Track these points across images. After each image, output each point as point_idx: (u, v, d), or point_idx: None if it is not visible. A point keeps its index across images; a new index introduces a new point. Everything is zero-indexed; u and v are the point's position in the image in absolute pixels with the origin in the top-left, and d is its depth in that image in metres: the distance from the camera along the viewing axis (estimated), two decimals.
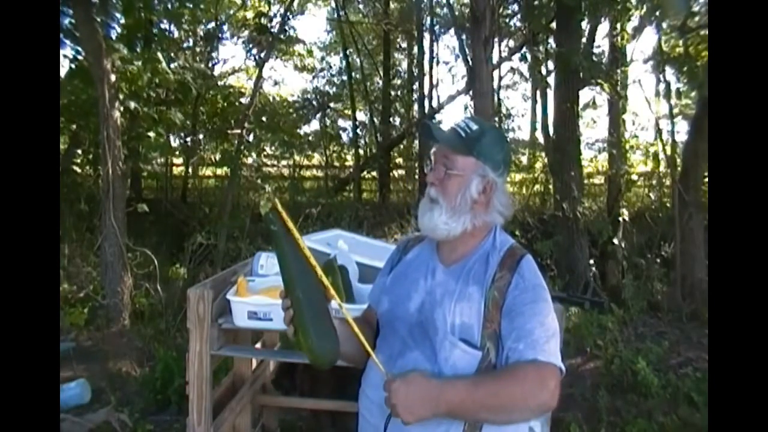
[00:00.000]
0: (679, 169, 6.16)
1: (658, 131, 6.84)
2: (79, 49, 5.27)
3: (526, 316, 1.19)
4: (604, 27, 7.43)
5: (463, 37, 7.21)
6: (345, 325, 1.37)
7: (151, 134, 5.83)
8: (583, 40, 6.73)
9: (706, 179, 5.70)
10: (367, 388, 1.34)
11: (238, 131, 7.69)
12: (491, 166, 1.27)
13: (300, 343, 1.19)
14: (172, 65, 7.18)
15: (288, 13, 9.06)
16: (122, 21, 5.81)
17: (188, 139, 10.37)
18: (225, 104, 10.05)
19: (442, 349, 1.22)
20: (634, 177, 8.19)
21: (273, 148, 11.39)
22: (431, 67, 12.21)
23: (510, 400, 1.11)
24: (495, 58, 8.66)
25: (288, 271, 1.19)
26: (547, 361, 1.14)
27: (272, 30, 8.93)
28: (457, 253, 1.31)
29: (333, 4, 12.14)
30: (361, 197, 11.11)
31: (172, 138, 9.94)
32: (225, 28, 10.87)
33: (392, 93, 11.89)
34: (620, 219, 6.61)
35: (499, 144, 1.29)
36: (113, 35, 5.50)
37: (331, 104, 12.83)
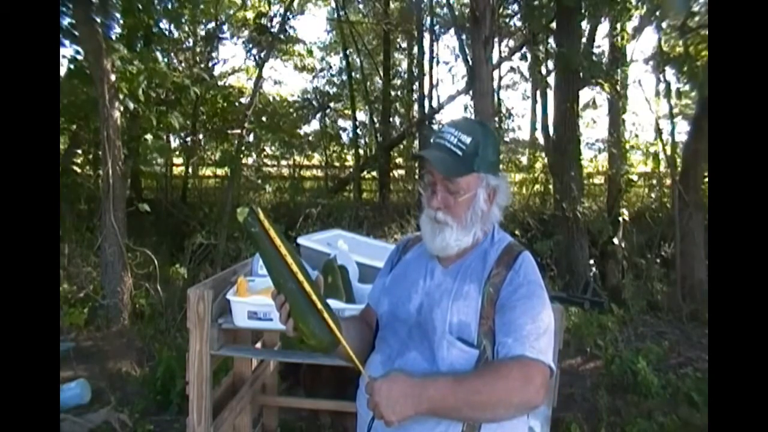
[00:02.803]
0: (679, 169, 6.17)
1: (658, 131, 6.84)
2: (79, 49, 5.27)
3: (517, 311, 1.18)
4: (604, 27, 7.45)
5: (463, 37, 7.23)
6: (346, 322, 1.37)
7: (149, 137, 5.83)
8: (583, 40, 6.74)
9: (706, 179, 5.71)
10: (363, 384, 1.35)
11: (238, 131, 7.70)
12: (492, 173, 1.26)
13: (302, 332, 1.19)
14: (171, 67, 7.18)
15: (288, 13, 9.04)
16: (122, 21, 5.80)
17: (188, 139, 10.36)
18: (225, 104, 10.05)
19: (440, 349, 1.22)
20: (634, 177, 8.19)
21: (273, 148, 11.39)
22: (431, 67, 12.21)
23: (493, 397, 1.10)
24: (495, 58, 8.66)
25: (275, 269, 1.19)
26: (534, 358, 1.13)
27: (272, 30, 8.92)
28: (456, 253, 1.30)
29: (333, 4, 12.13)
30: (361, 197, 11.10)
31: (172, 138, 9.95)
32: (225, 28, 10.86)
33: (392, 93, 11.87)
34: (620, 219, 6.62)
35: (491, 146, 1.27)
36: (113, 35, 5.49)
37: (331, 104, 12.81)
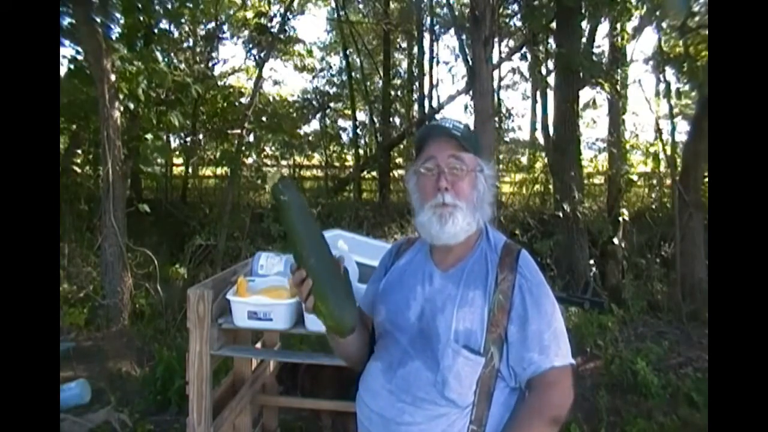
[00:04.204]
0: (679, 169, 6.17)
1: (658, 131, 6.85)
2: (79, 49, 5.27)
3: (534, 321, 1.20)
4: (604, 27, 7.45)
5: (463, 37, 7.21)
6: None
7: (149, 136, 5.83)
8: (583, 40, 6.74)
9: (706, 179, 5.70)
10: (365, 395, 1.32)
11: (238, 131, 7.70)
12: (484, 159, 1.30)
13: (320, 311, 1.16)
14: (171, 67, 7.19)
15: (288, 13, 9.05)
16: (122, 21, 5.81)
17: (188, 139, 10.37)
18: (225, 104, 10.05)
19: (445, 357, 1.20)
20: (634, 177, 8.19)
21: (273, 148, 11.39)
22: (431, 67, 12.23)
23: (549, 427, 1.18)
24: (495, 58, 8.66)
25: (299, 242, 1.15)
26: (561, 365, 1.19)
27: (272, 30, 8.92)
28: (453, 255, 1.29)
29: (333, 4, 12.14)
30: (361, 197, 11.10)
31: (172, 138, 9.96)
32: (225, 28, 10.86)
33: (392, 93, 11.87)
34: (620, 219, 6.62)
35: (478, 138, 1.34)
36: (113, 35, 5.49)
37: (331, 104, 12.82)
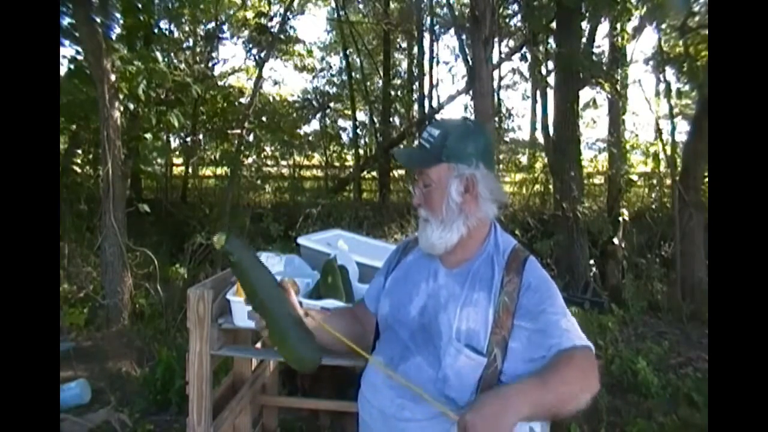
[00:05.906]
0: (679, 169, 6.17)
1: (658, 131, 6.86)
2: (79, 49, 5.27)
3: (548, 313, 1.18)
4: (604, 27, 7.46)
5: (463, 37, 7.21)
6: (336, 317, 1.38)
7: (148, 136, 5.83)
8: (583, 40, 6.74)
9: (706, 179, 5.71)
10: (366, 390, 1.32)
11: (238, 131, 7.71)
12: (464, 162, 1.23)
13: (284, 354, 1.25)
14: (172, 66, 7.19)
15: (288, 13, 9.06)
16: (122, 21, 5.81)
17: (188, 139, 10.36)
18: (225, 104, 10.05)
19: (447, 355, 1.20)
20: (634, 177, 8.20)
21: (273, 148, 11.40)
22: (431, 67, 12.25)
23: (575, 387, 1.09)
24: (495, 58, 8.67)
25: (255, 295, 1.24)
26: (584, 345, 1.16)
27: (272, 30, 8.93)
28: (459, 255, 1.28)
29: (333, 4, 12.15)
30: (361, 197, 11.11)
31: (172, 138, 9.96)
32: (225, 28, 10.86)
33: (392, 93, 11.87)
34: (620, 219, 6.62)
35: (465, 138, 1.24)
36: (113, 35, 5.50)
37: (331, 104, 12.83)
